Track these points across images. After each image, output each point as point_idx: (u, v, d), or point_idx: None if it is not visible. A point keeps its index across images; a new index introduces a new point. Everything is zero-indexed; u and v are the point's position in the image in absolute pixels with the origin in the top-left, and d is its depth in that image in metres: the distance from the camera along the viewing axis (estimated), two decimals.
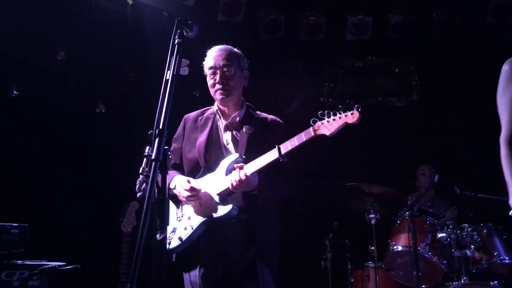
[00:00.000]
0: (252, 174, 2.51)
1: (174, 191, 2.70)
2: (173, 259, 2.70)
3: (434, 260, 4.01)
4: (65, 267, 2.51)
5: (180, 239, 2.62)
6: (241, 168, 2.51)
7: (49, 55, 4.30)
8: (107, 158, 4.43)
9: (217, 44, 2.86)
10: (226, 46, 2.83)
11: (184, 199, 2.64)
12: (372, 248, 4.12)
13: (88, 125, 4.45)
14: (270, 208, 2.72)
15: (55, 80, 4.30)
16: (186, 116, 2.94)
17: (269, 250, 2.65)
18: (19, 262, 2.66)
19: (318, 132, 2.44)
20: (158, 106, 2.10)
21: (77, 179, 4.37)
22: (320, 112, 2.45)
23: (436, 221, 4.21)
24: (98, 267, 4.08)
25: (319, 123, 2.46)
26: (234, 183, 2.50)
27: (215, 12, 5.09)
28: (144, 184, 2.16)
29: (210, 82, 2.78)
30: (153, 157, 2.01)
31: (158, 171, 2.03)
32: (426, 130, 5.80)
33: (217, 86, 2.73)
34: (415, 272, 3.75)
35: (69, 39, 4.38)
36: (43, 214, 4.13)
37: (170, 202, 2.78)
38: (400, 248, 4.12)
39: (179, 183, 2.66)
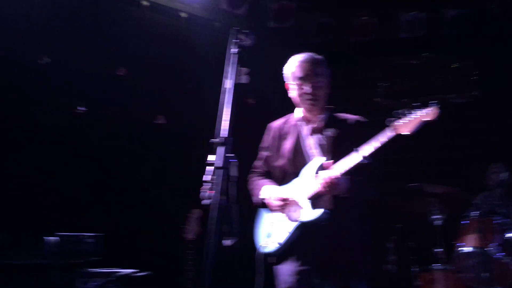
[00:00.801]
0: (340, 175, 2.56)
1: (265, 200, 2.82)
2: (269, 261, 2.79)
3: (506, 261, 3.84)
4: (138, 274, 2.61)
5: (278, 243, 2.72)
6: (329, 170, 2.57)
7: (109, 71, 4.49)
8: (169, 167, 4.56)
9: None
10: (312, 54, 2.86)
11: (275, 208, 2.76)
12: (438, 250, 4.01)
13: (149, 135, 4.60)
14: (358, 209, 2.77)
15: (116, 95, 4.48)
16: (269, 124, 3.02)
17: (358, 253, 2.70)
18: (93, 270, 2.78)
19: (398, 132, 2.46)
20: (218, 115, 2.15)
21: (141, 188, 4.51)
22: (394, 111, 2.46)
23: (507, 220, 4.04)
24: (164, 274, 4.19)
25: (397, 122, 2.47)
26: (324, 186, 2.56)
27: (265, 19, 5.14)
28: (209, 191, 2.23)
29: (297, 91, 2.82)
30: (218, 165, 2.05)
31: (224, 178, 2.07)
32: (490, 126, 5.57)
33: (307, 96, 2.78)
34: (486, 273, 3.61)
35: (128, 55, 4.55)
36: (109, 223, 4.30)
37: (259, 209, 2.90)
38: (469, 249, 3.98)
39: (268, 193, 2.80)
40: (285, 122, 2.97)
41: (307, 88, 2.77)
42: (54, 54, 4.30)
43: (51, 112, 4.24)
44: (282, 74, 2.89)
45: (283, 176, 2.83)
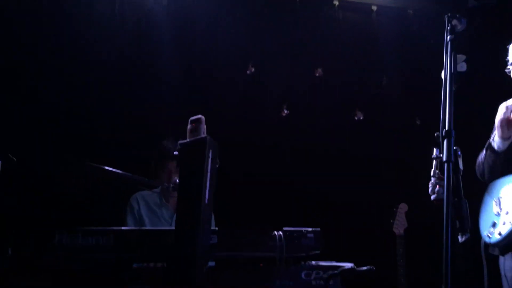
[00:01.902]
0: None
1: None
2: (491, 251, 2.75)
3: None
4: (361, 269, 2.68)
5: (499, 234, 2.66)
6: None
7: (309, 72, 4.67)
8: (370, 163, 4.58)
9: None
10: None
11: None
12: None
13: (348, 132, 4.67)
14: None
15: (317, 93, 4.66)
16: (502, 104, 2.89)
17: None
18: (314, 263, 2.93)
19: None
20: (441, 107, 2.09)
21: (351, 183, 4.60)
22: None
23: None
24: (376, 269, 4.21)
25: None
26: None
27: None
28: (438, 186, 2.20)
29: None
30: (444, 158, 2.00)
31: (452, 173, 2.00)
32: None
33: None
34: None
35: (324, 56, 4.70)
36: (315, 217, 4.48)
37: (484, 197, 2.87)
38: None
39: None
40: None
41: None
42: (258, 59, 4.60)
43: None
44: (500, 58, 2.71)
45: None
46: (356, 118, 4.61)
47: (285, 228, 2.75)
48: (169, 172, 3.45)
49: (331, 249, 4.08)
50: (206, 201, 2.41)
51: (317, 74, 4.59)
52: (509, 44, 2.83)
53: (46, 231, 2.51)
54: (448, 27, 2.30)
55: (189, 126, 2.46)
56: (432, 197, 2.44)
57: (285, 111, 4.50)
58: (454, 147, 2.02)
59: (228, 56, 4.53)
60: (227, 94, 4.47)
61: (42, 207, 3.68)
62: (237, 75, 4.57)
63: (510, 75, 2.77)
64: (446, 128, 2.01)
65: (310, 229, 2.83)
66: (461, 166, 2.04)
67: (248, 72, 4.52)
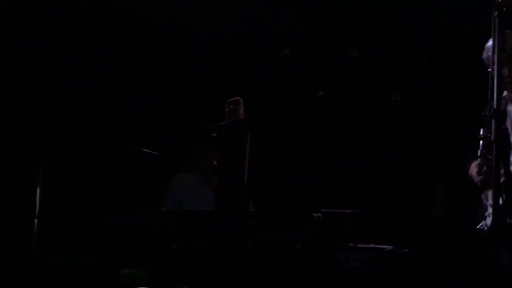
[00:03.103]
0: None
1: None
2: None
3: None
4: (401, 251, 2.65)
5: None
6: None
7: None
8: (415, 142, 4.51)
9: None
10: None
11: None
12: None
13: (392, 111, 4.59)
14: None
15: None
16: None
17: None
18: (354, 245, 2.91)
19: None
20: (489, 87, 2.03)
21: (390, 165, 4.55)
22: None
23: None
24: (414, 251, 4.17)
25: None
26: None
27: None
28: (485, 167, 2.13)
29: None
30: (492, 138, 1.93)
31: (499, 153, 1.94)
32: None
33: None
34: None
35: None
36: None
37: None
38: None
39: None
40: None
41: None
42: None
43: None
44: None
45: None
46: (393, 99, 4.51)
47: (323, 210, 2.73)
48: (208, 154, 3.47)
49: (370, 232, 4.07)
50: (245, 183, 2.42)
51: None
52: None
53: (87, 211, 2.56)
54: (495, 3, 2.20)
55: (227, 108, 2.45)
56: (478, 178, 2.36)
57: (320, 93, 4.45)
58: (503, 127, 1.94)
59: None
60: (259, 75, 4.43)
61: (83, 188, 3.77)
62: (269, 55, 4.51)
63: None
64: (495, 107, 1.93)
65: (348, 211, 2.81)
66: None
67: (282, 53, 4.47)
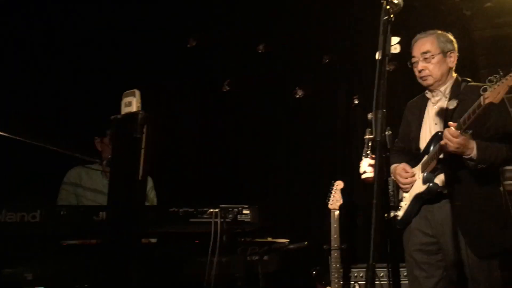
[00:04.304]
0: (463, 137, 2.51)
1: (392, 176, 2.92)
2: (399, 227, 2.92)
3: None
4: (295, 245, 2.73)
5: (399, 216, 2.84)
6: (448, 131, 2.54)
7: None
8: (311, 139, 4.65)
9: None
10: (427, 33, 2.90)
11: (402, 186, 2.86)
12: None
13: (293, 109, 4.69)
14: (486, 184, 2.69)
15: None
16: (409, 102, 3.10)
17: (479, 232, 2.63)
18: (252, 239, 2.96)
19: (487, 101, 2.38)
20: (375, 88, 2.12)
21: (288, 160, 4.66)
22: (489, 78, 2.39)
23: None
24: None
25: (488, 90, 2.38)
26: (445, 144, 2.54)
27: None
28: (368, 165, 2.27)
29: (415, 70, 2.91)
30: (376, 138, 2.04)
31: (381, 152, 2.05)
32: None
33: (417, 74, 2.87)
34: None
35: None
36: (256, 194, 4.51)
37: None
38: None
39: (396, 172, 2.87)
40: (420, 97, 3.01)
41: (418, 66, 2.86)
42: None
43: None
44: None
45: (415, 152, 2.87)
46: (297, 96, 4.62)
47: (221, 205, 2.75)
48: (105, 147, 3.38)
49: (269, 226, 4.16)
50: (140, 177, 2.36)
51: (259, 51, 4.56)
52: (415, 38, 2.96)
53: None
54: (384, 8, 2.32)
55: (122, 100, 2.37)
56: (362, 175, 2.56)
57: (226, 87, 4.46)
58: (385, 127, 2.05)
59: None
60: (164, 68, 4.35)
61: None
62: (174, 48, 4.45)
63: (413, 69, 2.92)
64: (378, 109, 2.03)
65: (246, 205, 2.84)
66: (389, 146, 2.10)
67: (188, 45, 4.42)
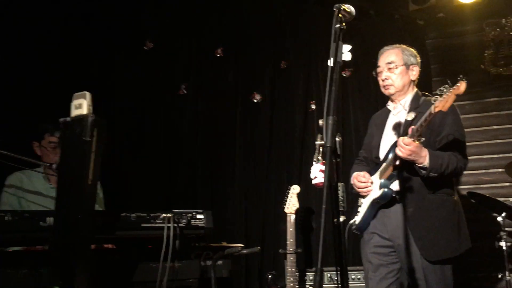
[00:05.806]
0: (416, 144, 2.63)
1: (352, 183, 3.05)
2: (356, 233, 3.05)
3: None
4: (248, 250, 2.73)
5: (356, 221, 2.95)
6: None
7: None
8: (268, 143, 4.66)
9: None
10: (393, 46, 3.09)
11: (359, 190, 2.99)
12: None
13: (249, 114, 4.69)
14: (438, 192, 2.82)
15: None
16: (374, 114, 3.29)
17: (431, 239, 2.74)
18: (205, 244, 2.94)
19: (437, 110, 2.52)
20: (327, 94, 2.15)
21: (244, 165, 4.65)
22: (439, 88, 2.52)
23: None
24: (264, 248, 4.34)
25: (438, 99, 2.52)
26: (398, 151, 2.66)
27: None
28: (319, 170, 2.31)
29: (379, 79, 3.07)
30: (327, 144, 2.07)
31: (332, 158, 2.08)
32: None
33: (381, 83, 3.05)
34: None
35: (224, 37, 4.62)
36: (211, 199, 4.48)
37: None
38: None
39: (354, 177, 3.02)
40: (384, 109, 3.16)
41: (381, 76, 3.07)
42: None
43: None
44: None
45: (375, 161, 3.00)
46: (255, 101, 4.63)
47: (174, 210, 2.72)
48: (47, 151, 3.30)
49: (224, 231, 4.14)
50: (90, 182, 2.31)
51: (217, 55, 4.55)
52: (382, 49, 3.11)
53: None
54: (338, 16, 2.36)
55: (72, 102, 2.31)
56: (313, 180, 2.62)
57: (184, 91, 4.42)
58: (336, 133, 2.09)
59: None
60: (113, 73, 4.25)
61: None
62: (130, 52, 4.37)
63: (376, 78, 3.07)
64: (329, 115, 2.07)
65: (200, 210, 2.83)
66: (340, 152, 2.14)
67: (145, 48, 4.36)
